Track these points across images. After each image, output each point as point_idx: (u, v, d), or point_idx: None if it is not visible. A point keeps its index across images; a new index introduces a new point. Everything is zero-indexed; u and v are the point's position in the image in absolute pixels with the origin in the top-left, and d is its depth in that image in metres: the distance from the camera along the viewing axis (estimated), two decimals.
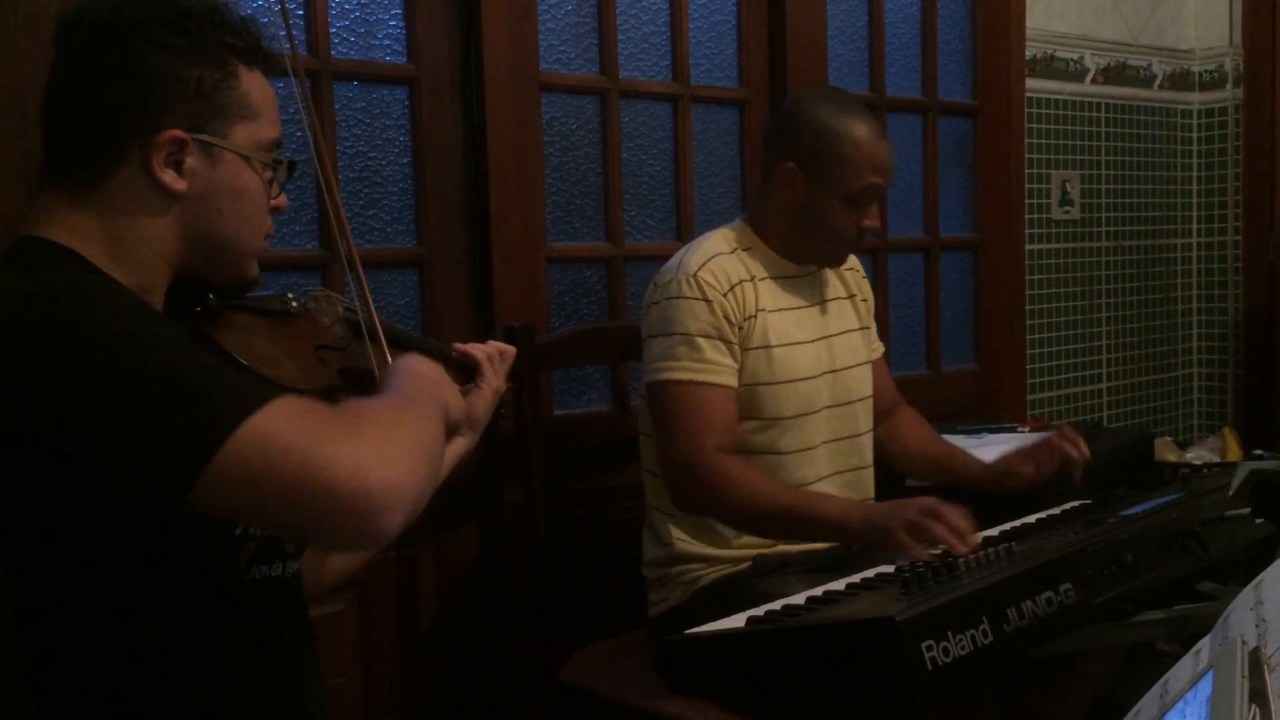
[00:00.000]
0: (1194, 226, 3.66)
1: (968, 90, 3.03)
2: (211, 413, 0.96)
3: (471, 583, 2.18)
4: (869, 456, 2.06)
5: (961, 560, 1.55)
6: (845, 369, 2.01)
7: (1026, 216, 3.15)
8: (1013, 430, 2.65)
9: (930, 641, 1.28)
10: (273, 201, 1.22)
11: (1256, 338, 3.55)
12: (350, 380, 1.31)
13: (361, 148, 2.09)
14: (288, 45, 1.29)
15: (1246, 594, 0.85)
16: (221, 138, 1.14)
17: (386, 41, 2.10)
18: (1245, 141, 3.51)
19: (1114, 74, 3.39)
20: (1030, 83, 3.13)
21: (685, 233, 2.47)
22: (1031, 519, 1.93)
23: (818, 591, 1.60)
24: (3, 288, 1.01)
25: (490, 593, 2.19)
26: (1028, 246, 3.16)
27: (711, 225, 2.03)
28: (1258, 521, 1.82)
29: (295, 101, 1.32)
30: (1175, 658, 0.86)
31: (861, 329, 2.09)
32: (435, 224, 2.14)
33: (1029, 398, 3.19)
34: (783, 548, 1.89)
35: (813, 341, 1.96)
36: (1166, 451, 3.10)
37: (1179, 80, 3.59)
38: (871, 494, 2.05)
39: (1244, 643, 0.72)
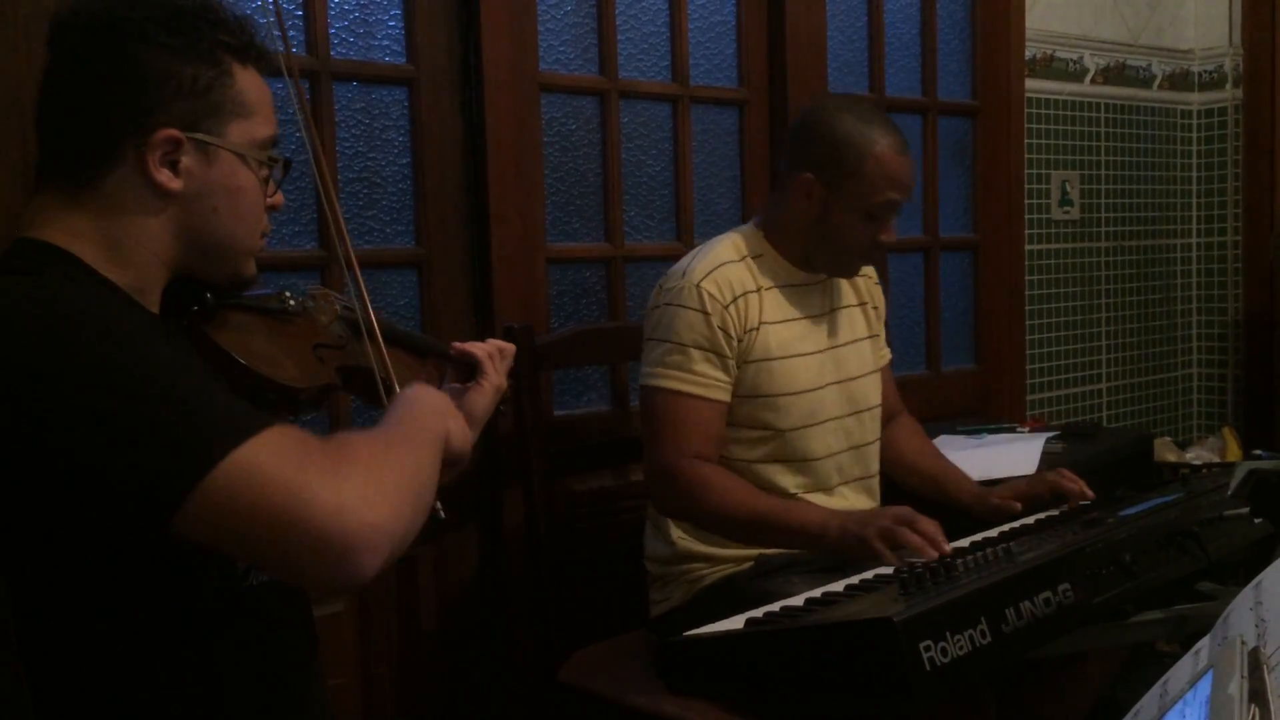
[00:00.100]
0: (1194, 226, 3.66)
1: (967, 90, 3.03)
2: (198, 442, 0.94)
3: (471, 583, 2.18)
4: (875, 465, 2.05)
5: (960, 561, 1.55)
6: (854, 379, 2.00)
7: (1026, 216, 3.14)
8: (1012, 430, 2.65)
9: (928, 642, 1.28)
10: (269, 200, 1.21)
11: (1256, 338, 3.54)
12: (349, 379, 1.31)
13: (361, 148, 2.09)
14: (282, 45, 1.29)
15: (1246, 594, 0.85)
16: (217, 136, 1.13)
17: (386, 42, 2.10)
18: (1245, 142, 3.51)
19: (1114, 74, 3.39)
20: (1030, 83, 3.13)
21: (685, 233, 2.47)
22: (1030, 519, 1.93)
23: (816, 593, 1.60)
24: None
25: (490, 593, 2.19)
26: (1027, 246, 3.16)
27: (711, 226, 2.02)
28: (1257, 521, 1.82)
29: (293, 102, 1.32)
30: (1175, 658, 0.86)
31: (871, 337, 2.08)
32: (435, 224, 2.14)
33: (1029, 398, 3.19)
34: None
35: (817, 353, 1.95)
36: (1166, 451, 3.10)
37: (1179, 80, 3.58)
38: (878, 503, 2.03)
39: (1243, 643, 0.72)
